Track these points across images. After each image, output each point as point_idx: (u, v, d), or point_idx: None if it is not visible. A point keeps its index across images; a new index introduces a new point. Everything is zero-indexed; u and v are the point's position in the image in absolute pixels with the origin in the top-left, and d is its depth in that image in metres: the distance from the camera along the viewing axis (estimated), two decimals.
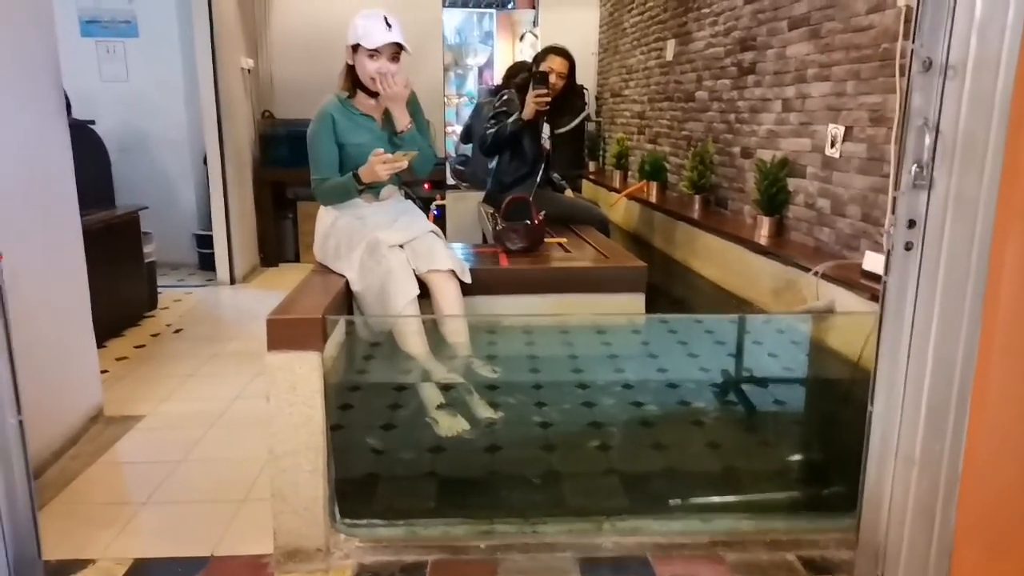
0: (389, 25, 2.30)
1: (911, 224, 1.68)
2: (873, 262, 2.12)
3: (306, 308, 1.97)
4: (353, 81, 2.40)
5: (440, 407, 2.22)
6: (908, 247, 1.69)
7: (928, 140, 1.59)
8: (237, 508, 2.18)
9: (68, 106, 3.86)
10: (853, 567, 1.88)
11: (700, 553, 1.97)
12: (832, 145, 2.48)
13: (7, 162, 2.23)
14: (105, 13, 5.30)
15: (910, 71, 1.58)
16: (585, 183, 5.62)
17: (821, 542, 2.01)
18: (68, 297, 2.63)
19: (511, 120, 3.31)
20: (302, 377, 1.86)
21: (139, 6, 5.31)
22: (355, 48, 2.34)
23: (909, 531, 1.77)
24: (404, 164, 2.30)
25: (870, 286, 2.06)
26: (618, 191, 4.79)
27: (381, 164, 2.25)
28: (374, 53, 2.31)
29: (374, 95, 2.39)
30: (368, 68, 2.33)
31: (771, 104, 2.95)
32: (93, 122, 4.31)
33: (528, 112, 3.24)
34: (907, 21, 2.06)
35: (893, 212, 1.71)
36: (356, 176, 2.32)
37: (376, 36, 2.29)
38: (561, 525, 2.01)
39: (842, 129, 2.43)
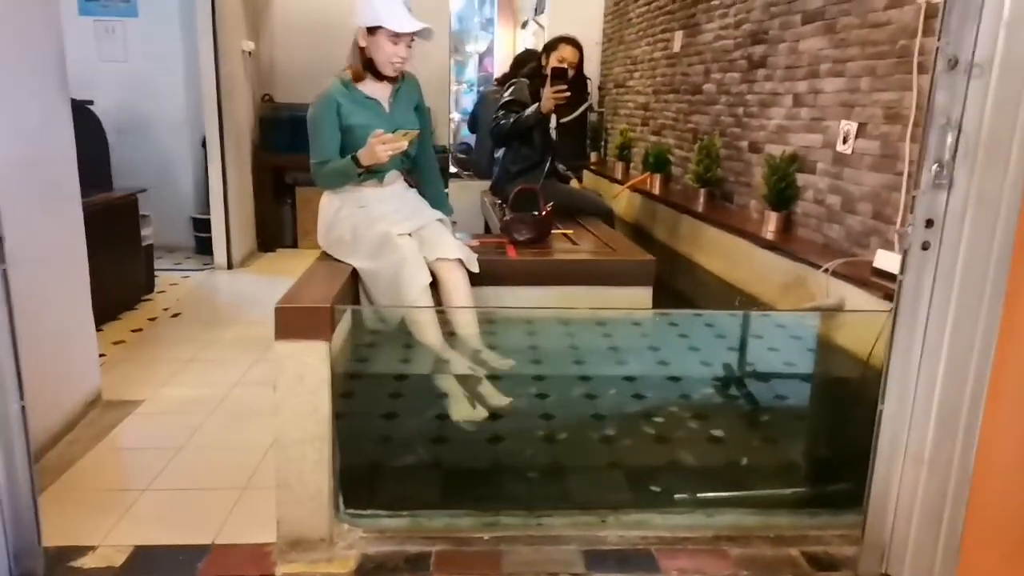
0: (409, 9, 2.26)
1: (929, 224, 1.66)
2: (885, 260, 2.11)
3: (314, 297, 1.95)
4: (364, 63, 2.36)
5: (454, 395, 2.21)
6: (925, 247, 1.68)
7: (950, 139, 1.57)
8: (238, 496, 2.16)
9: None
10: (857, 564, 1.88)
11: (704, 547, 1.96)
12: (844, 141, 2.46)
13: (7, 140, 2.19)
14: None
15: (934, 69, 1.56)
16: (587, 174, 5.59)
17: (825, 538, 2.00)
18: (68, 280, 2.59)
19: (529, 112, 3.26)
20: (310, 367, 1.84)
21: None
22: (371, 30, 2.28)
23: (916, 531, 1.77)
24: (404, 145, 2.24)
25: (882, 284, 2.05)
26: (620, 182, 4.77)
27: (381, 145, 2.19)
28: (397, 38, 2.27)
29: (383, 78, 2.35)
30: (387, 51, 2.28)
31: (781, 99, 2.93)
32: (91, 102, 4.24)
33: (547, 106, 3.21)
34: (927, 18, 2.05)
35: (911, 211, 1.70)
36: (355, 159, 2.27)
37: (404, 21, 2.24)
38: (565, 518, 2.00)
39: (855, 125, 2.41)
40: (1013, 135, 1.47)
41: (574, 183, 3.76)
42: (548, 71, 3.26)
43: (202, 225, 5.24)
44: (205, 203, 5.15)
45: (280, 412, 1.85)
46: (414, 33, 2.28)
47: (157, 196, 4.98)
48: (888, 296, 1.96)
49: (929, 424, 1.71)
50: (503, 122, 3.35)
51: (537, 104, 3.25)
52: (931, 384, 1.70)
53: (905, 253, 1.70)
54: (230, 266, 4.97)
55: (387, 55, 2.30)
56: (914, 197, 1.68)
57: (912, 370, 1.73)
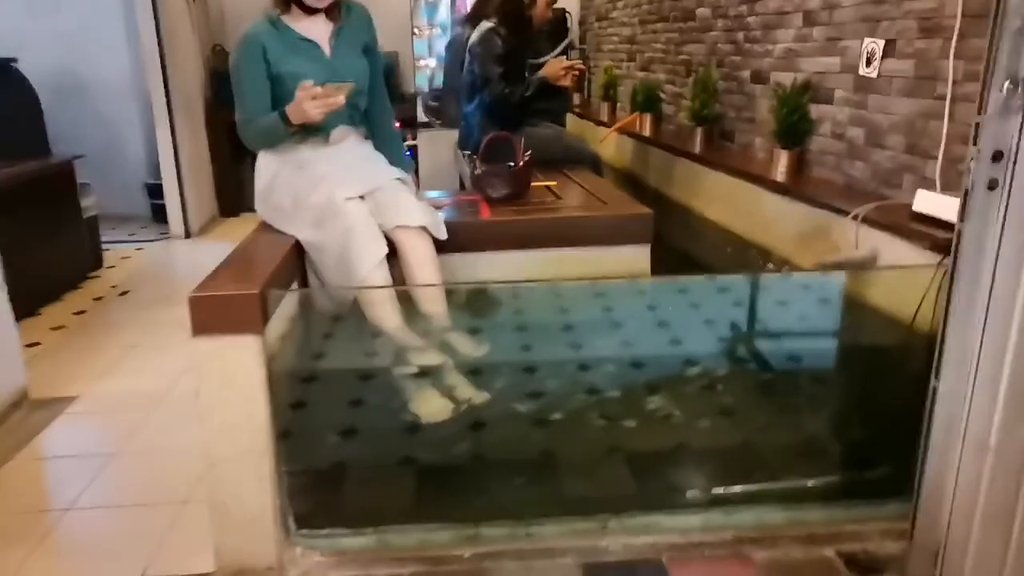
0: None
1: (997, 156, 1.33)
2: (927, 202, 1.77)
3: (241, 281, 1.60)
4: None
5: (420, 388, 1.88)
6: (992, 186, 1.35)
7: None
8: (177, 512, 1.86)
9: None
10: (905, 565, 1.60)
11: (724, 552, 1.69)
12: (868, 63, 2.10)
13: None
14: None
15: None
16: (570, 117, 5.18)
17: (864, 534, 1.72)
18: None
19: (535, 86, 2.86)
20: (240, 367, 1.51)
21: None
22: None
23: (978, 530, 1.48)
24: (340, 100, 1.84)
25: (925, 231, 1.72)
26: (607, 125, 4.38)
27: (310, 101, 1.80)
28: None
29: (315, 12, 1.95)
30: None
31: (789, 18, 2.55)
32: (15, 60, 3.80)
33: (555, 78, 2.82)
34: None
35: (973, 142, 1.36)
36: (284, 115, 1.88)
37: None
38: (560, 526, 1.71)
39: (881, 43, 2.05)
40: None
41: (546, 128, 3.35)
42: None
43: (157, 191, 4.84)
44: (159, 168, 4.74)
45: (206, 424, 1.53)
46: None
47: (104, 162, 4.60)
48: (936, 247, 1.64)
49: (996, 403, 1.41)
50: (507, 91, 2.89)
51: (540, 78, 2.84)
52: (998, 355, 1.39)
53: (966, 194, 1.37)
54: (188, 235, 4.60)
55: None
56: (977, 124, 1.34)
57: (974, 338, 1.41)
